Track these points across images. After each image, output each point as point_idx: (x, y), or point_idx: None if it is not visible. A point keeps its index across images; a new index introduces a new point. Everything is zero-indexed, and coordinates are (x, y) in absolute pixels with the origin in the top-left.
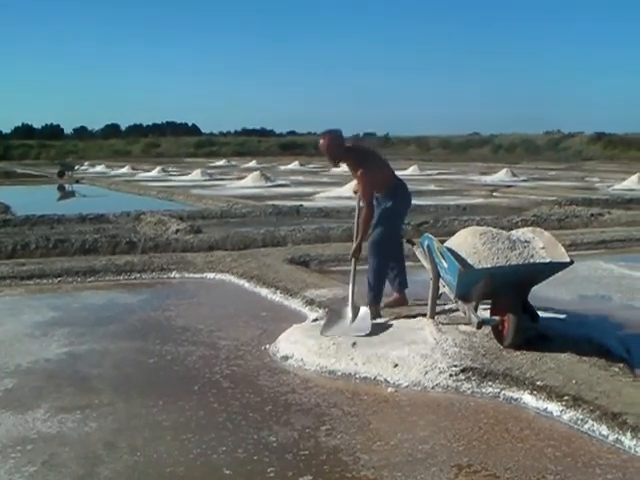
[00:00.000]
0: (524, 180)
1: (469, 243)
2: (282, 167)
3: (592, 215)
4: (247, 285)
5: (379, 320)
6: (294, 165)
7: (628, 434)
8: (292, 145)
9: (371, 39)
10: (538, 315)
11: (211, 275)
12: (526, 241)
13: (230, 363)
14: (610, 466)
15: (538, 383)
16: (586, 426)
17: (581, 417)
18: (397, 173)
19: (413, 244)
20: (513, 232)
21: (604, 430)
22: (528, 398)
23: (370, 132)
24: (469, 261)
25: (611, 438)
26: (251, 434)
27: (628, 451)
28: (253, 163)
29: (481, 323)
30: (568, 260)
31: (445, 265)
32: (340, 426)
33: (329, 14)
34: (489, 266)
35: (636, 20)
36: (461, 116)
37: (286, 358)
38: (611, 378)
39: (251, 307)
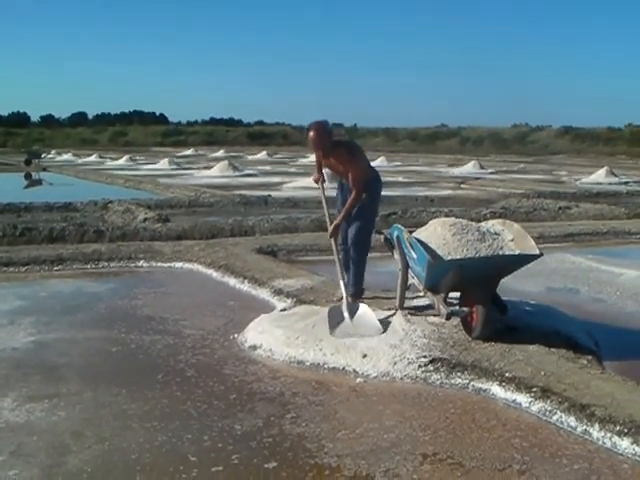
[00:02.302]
0: (492, 173)
1: (439, 234)
2: (250, 157)
3: (560, 208)
4: (215, 275)
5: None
6: (262, 155)
7: (596, 425)
8: (260, 135)
9: (340, 32)
10: (507, 307)
11: (179, 264)
12: (496, 233)
13: (195, 352)
14: (577, 456)
15: (507, 374)
16: (554, 417)
17: (549, 408)
18: None
19: (382, 234)
20: (483, 224)
21: (572, 421)
22: (497, 389)
23: (338, 123)
24: (438, 252)
25: (579, 429)
26: (216, 422)
27: (596, 442)
28: (221, 153)
29: (450, 314)
30: (537, 252)
31: (414, 256)
32: (305, 414)
33: (299, 6)
34: (458, 257)
35: (602, 16)
36: (429, 108)
37: (254, 348)
38: (579, 370)
39: (219, 296)
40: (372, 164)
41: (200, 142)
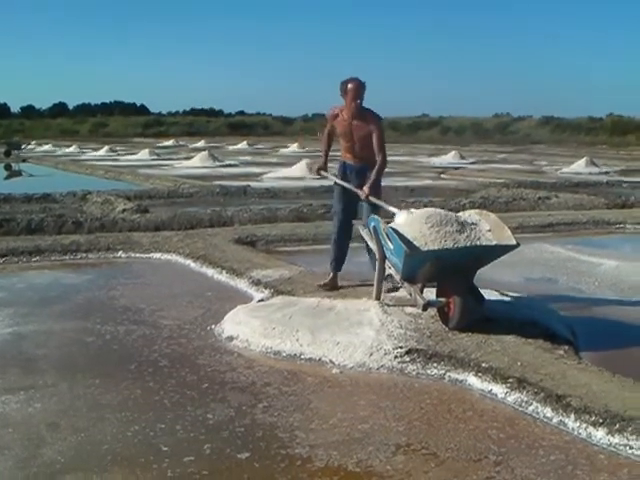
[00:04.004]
0: (472, 162)
1: (416, 225)
2: (230, 147)
3: (539, 198)
4: (193, 265)
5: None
6: (242, 145)
7: (572, 416)
8: (241, 125)
9: (323, 20)
10: (484, 297)
11: (157, 255)
12: (473, 223)
13: (171, 342)
14: (553, 447)
15: (483, 365)
16: (530, 408)
17: (525, 399)
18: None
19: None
20: (460, 214)
21: (548, 412)
22: (473, 380)
23: (319, 113)
24: (415, 243)
25: (555, 420)
26: (189, 412)
27: (571, 433)
28: (201, 143)
29: (427, 305)
30: (514, 243)
31: (391, 247)
32: (278, 404)
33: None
34: (435, 248)
35: (583, 4)
36: (410, 97)
37: (231, 339)
38: (556, 361)
39: (197, 287)
40: None
41: (181, 133)
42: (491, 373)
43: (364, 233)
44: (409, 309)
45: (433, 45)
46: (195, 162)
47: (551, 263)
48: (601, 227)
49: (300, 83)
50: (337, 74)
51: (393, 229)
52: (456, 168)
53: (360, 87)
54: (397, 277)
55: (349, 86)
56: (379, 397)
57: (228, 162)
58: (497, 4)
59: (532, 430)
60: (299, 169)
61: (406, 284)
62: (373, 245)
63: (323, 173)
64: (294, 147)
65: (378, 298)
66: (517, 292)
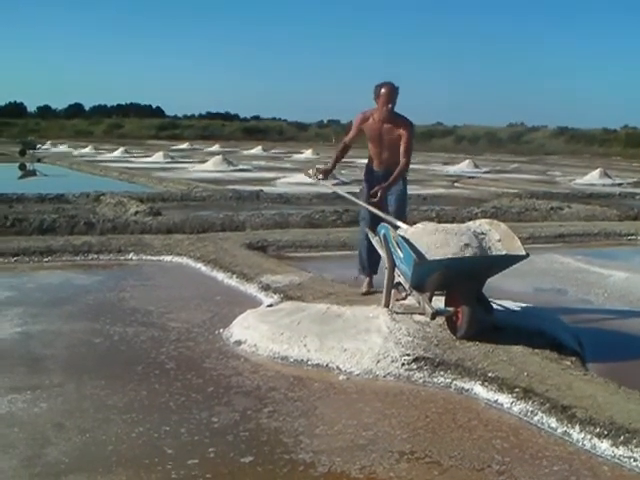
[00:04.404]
0: (486, 172)
1: (426, 234)
2: (245, 152)
3: (552, 208)
4: (204, 269)
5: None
6: (257, 150)
7: (577, 427)
8: (256, 130)
9: (338, 27)
10: (492, 307)
11: (168, 258)
12: (482, 233)
13: (178, 345)
14: (557, 458)
15: (490, 374)
16: (535, 418)
17: (531, 409)
18: (361, 162)
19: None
20: (470, 224)
21: (553, 423)
22: (479, 389)
23: (334, 119)
24: (425, 252)
25: (560, 431)
26: (194, 415)
27: (576, 444)
28: (216, 147)
29: (435, 314)
30: (524, 253)
31: (401, 255)
32: (283, 409)
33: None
34: (444, 257)
35: (598, 16)
36: (425, 106)
37: (239, 343)
38: (562, 371)
39: (206, 291)
40: (365, 161)
41: (196, 136)
42: (497, 383)
43: (374, 241)
44: (417, 317)
45: (449, 53)
46: (209, 166)
47: (561, 274)
48: (612, 239)
49: (316, 89)
50: (353, 81)
51: (403, 237)
52: (470, 177)
53: (393, 91)
54: (406, 285)
55: (382, 90)
56: (384, 404)
57: (242, 166)
58: (513, 14)
59: (536, 440)
60: (312, 174)
61: (415, 292)
62: (383, 253)
63: (320, 177)
64: (308, 153)
65: (387, 305)
66: (526, 302)
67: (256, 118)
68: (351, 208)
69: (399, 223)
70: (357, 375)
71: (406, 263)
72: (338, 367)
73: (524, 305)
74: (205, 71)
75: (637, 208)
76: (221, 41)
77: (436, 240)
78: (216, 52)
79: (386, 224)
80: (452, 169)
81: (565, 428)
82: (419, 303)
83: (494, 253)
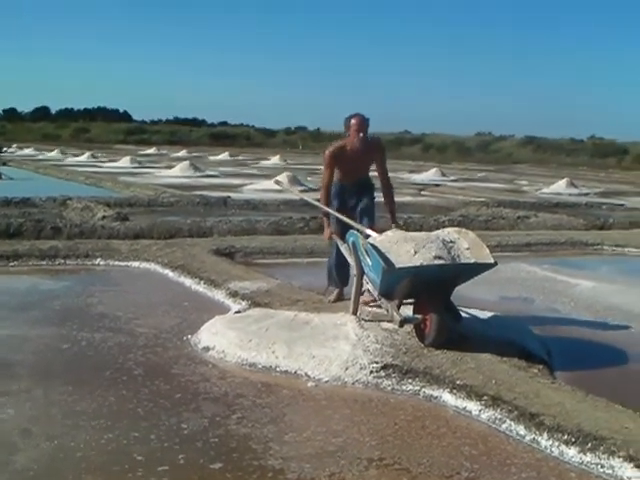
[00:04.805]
0: (453, 180)
1: (394, 242)
2: (212, 157)
3: (518, 217)
4: (171, 275)
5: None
6: (224, 156)
7: (545, 434)
8: (223, 135)
9: (306, 33)
10: (460, 315)
11: (136, 263)
12: (451, 241)
13: (146, 351)
14: (525, 465)
15: (458, 382)
16: (504, 426)
17: (499, 417)
18: None
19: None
20: (439, 232)
21: (521, 430)
22: (447, 397)
23: (301, 126)
24: (394, 260)
25: (528, 438)
26: (163, 421)
27: (544, 451)
28: (183, 152)
29: (403, 321)
30: (492, 261)
31: (369, 263)
32: (252, 416)
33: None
34: (413, 265)
35: (571, 27)
36: (393, 114)
37: (207, 349)
38: (530, 379)
39: (174, 297)
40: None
41: (163, 141)
42: (466, 390)
43: (343, 248)
44: (385, 324)
45: (416, 62)
46: (176, 171)
47: (528, 282)
48: (579, 248)
49: (284, 96)
50: (320, 88)
51: (372, 245)
52: (437, 185)
53: (363, 122)
54: (375, 293)
55: (352, 121)
56: (353, 411)
57: (209, 172)
58: (479, 22)
59: (505, 447)
60: (273, 181)
61: (383, 300)
62: (351, 260)
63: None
64: (275, 159)
65: (355, 313)
66: (493, 310)
67: (224, 124)
68: (318, 215)
69: (368, 231)
70: (326, 382)
71: (374, 271)
72: (307, 374)
73: (492, 314)
74: (173, 76)
75: (603, 218)
76: (189, 45)
77: (405, 248)
78: (184, 56)
79: (355, 232)
80: (419, 177)
81: (533, 435)
82: (387, 311)
83: (463, 261)
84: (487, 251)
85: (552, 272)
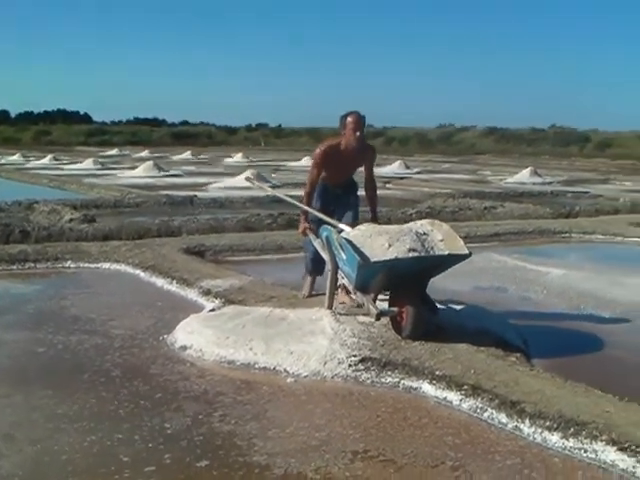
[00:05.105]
0: (417, 172)
1: (369, 235)
2: (174, 157)
3: (486, 208)
4: (143, 275)
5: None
6: (186, 155)
7: (527, 421)
8: (185, 135)
9: (267, 32)
10: (437, 307)
11: (106, 265)
12: (425, 233)
13: (123, 352)
14: (509, 452)
15: (437, 373)
16: (485, 414)
17: (480, 405)
18: (291, 164)
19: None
20: (412, 224)
21: (503, 418)
22: (427, 387)
23: (263, 123)
24: (368, 254)
25: (510, 426)
26: (145, 422)
27: (526, 438)
28: (145, 153)
29: (380, 314)
30: (467, 252)
31: (344, 257)
32: (234, 413)
33: (230, 7)
34: (388, 259)
35: (521, 16)
36: (354, 107)
37: (184, 348)
38: (509, 368)
39: (147, 297)
40: (297, 164)
41: (124, 142)
42: (445, 381)
43: (316, 243)
44: (361, 318)
45: (375, 55)
46: (140, 172)
47: (499, 272)
48: (547, 236)
49: (244, 94)
50: (281, 85)
51: (347, 239)
52: (401, 178)
53: (360, 120)
54: (350, 287)
55: (349, 119)
56: (334, 405)
57: (173, 172)
58: (436, 11)
59: (488, 436)
60: (244, 179)
61: (359, 294)
62: (325, 255)
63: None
64: (238, 157)
65: (330, 307)
66: (467, 301)
67: (185, 123)
68: (286, 211)
69: (342, 225)
70: (305, 377)
71: (349, 265)
72: (285, 370)
73: (467, 304)
74: (132, 76)
75: (569, 206)
76: (146, 45)
77: (379, 242)
78: (142, 56)
79: (328, 227)
80: (383, 170)
81: (515, 423)
82: (363, 304)
83: (437, 253)
84: (461, 242)
85: (522, 261)
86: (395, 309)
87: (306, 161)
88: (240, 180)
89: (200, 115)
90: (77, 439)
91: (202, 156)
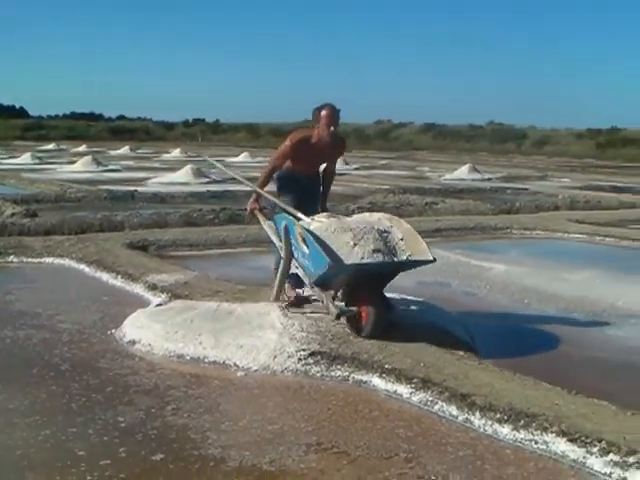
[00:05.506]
0: (356, 168)
1: (332, 231)
2: (112, 152)
3: (426, 204)
4: (87, 270)
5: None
6: (124, 150)
7: (477, 414)
8: (122, 130)
9: (202, 28)
10: (392, 305)
11: (50, 260)
12: (385, 231)
13: (71, 347)
14: (461, 444)
15: (386, 366)
16: (436, 407)
17: (430, 398)
18: (229, 160)
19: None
20: (371, 220)
21: (454, 410)
22: (377, 381)
23: (199, 118)
24: (337, 252)
25: (461, 418)
26: (98, 415)
27: (477, 430)
28: (83, 147)
29: (340, 314)
30: (431, 258)
31: (306, 251)
32: (186, 406)
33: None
34: (360, 262)
35: (467, 10)
36: (290, 104)
37: (133, 343)
38: (457, 361)
39: (92, 292)
40: (235, 159)
41: (62, 137)
42: (395, 374)
43: (266, 226)
44: (309, 312)
45: (311, 52)
46: (78, 166)
47: (442, 267)
48: (488, 232)
49: (179, 89)
50: (218, 80)
51: (312, 234)
52: (340, 174)
53: (334, 113)
54: (306, 280)
55: (323, 112)
56: (286, 399)
57: (112, 167)
58: (380, 9)
59: (439, 428)
60: (184, 174)
61: (317, 289)
62: (277, 241)
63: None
64: (176, 152)
65: (277, 300)
66: (412, 295)
67: (121, 118)
68: (228, 206)
69: (300, 215)
70: (255, 371)
71: (312, 260)
72: (235, 364)
73: (413, 299)
74: (67, 70)
75: (509, 202)
76: (80, 37)
77: (343, 239)
78: (77, 51)
79: (287, 215)
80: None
81: (466, 415)
82: (322, 302)
83: (399, 253)
84: (424, 245)
85: (465, 257)
86: (355, 309)
87: (244, 157)
88: (180, 175)
89: (137, 110)
90: (31, 434)
91: (140, 151)
